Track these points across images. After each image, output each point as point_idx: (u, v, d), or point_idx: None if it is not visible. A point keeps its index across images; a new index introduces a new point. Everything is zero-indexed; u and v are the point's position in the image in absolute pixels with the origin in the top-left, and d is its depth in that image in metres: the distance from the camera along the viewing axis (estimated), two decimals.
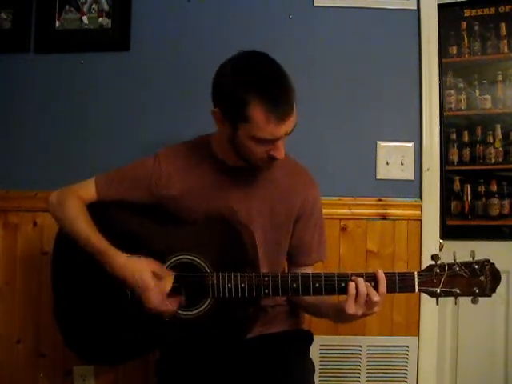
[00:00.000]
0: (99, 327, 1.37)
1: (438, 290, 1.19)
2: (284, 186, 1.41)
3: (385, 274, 1.21)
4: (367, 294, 1.18)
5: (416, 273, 1.21)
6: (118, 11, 1.95)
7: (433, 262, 1.20)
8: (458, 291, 1.19)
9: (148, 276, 1.26)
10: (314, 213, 1.45)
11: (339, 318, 1.27)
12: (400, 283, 1.21)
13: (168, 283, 1.27)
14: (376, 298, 1.18)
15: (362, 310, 1.19)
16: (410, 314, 1.92)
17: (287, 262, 1.49)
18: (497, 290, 1.19)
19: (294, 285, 1.24)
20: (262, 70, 1.21)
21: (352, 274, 1.21)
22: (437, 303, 1.21)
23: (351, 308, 1.18)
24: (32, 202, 1.93)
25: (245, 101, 1.17)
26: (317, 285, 1.23)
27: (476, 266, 1.18)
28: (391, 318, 1.92)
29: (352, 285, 1.19)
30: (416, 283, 1.20)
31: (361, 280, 1.19)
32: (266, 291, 1.25)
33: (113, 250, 1.30)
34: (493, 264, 1.19)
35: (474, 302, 1.19)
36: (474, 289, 1.18)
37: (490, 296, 1.19)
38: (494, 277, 1.18)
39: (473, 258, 1.19)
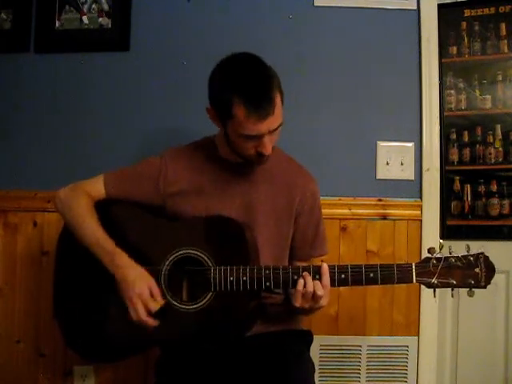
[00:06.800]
0: (101, 324, 1.37)
1: (435, 281, 1.22)
2: (284, 180, 1.46)
3: (383, 265, 1.25)
4: (313, 290, 1.25)
5: (414, 264, 1.24)
6: (118, 11, 1.96)
7: (429, 255, 1.24)
8: (454, 282, 1.22)
9: (146, 288, 1.28)
10: (315, 207, 1.50)
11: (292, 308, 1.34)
12: (398, 274, 1.24)
13: (157, 306, 1.28)
14: (320, 291, 1.25)
15: (309, 304, 1.27)
16: (410, 314, 1.92)
17: (290, 257, 1.51)
18: (496, 287, 1.20)
19: (295, 277, 1.26)
20: (245, 72, 1.29)
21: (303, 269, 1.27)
22: (434, 295, 1.24)
23: (298, 301, 1.26)
24: (32, 202, 1.93)
25: (229, 101, 1.26)
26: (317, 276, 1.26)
27: (471, 259, 1.21)
28: (391, 317, 1.92)
29: (300, 282, 1.25)
30: (414, 274, 1.23)
31: (309, 278, 1.25)
32: (268, 284, 1.27)
33: (120, 251, 1.32)
34: (487, 257, 1.22)
35: (470, 294, 1.22)
36: (470, 280, 1.21)
37: (485, 288, 1.22)
38: (489, 269, 1.21)
39: (468, 251, 1.23)
